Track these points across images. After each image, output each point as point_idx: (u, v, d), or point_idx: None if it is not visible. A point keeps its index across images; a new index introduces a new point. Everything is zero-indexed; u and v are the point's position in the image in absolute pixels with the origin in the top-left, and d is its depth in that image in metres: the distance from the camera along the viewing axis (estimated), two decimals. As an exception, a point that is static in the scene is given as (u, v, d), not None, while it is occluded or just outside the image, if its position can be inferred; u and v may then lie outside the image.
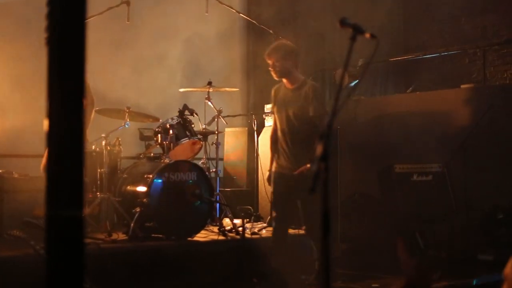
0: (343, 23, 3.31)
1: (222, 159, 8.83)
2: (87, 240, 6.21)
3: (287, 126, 6.53)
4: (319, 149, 2.79)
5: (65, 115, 2.01)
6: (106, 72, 8.40)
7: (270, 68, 6.58)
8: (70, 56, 2.03)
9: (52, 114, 2.00)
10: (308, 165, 6.18)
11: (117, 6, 7.98)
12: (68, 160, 2.01)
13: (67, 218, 2.00)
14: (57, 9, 2.01)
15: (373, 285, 6.94)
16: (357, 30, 3.24)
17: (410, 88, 10.16)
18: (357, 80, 9.16)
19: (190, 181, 7.16)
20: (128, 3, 8.01)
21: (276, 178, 6.63)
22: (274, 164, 6.69)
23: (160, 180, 7.00)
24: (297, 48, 6.83)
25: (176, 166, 7.14)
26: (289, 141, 6.53)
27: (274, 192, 6.71)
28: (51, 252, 2.01)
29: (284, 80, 6.62)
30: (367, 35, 3.27)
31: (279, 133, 6.65)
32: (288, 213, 6.71)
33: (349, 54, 3.21)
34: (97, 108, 7.49)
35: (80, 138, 2.03)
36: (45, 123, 2.00)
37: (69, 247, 2.01)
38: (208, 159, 8.29)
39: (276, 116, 6.69)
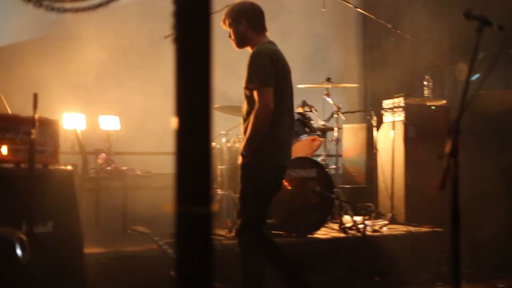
0: (469, 14, 3.21)
1: (340, 156, 8.76)
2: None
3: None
4: (448, 144, 2.71)
5: (193, 112, 2.02)
6: (225, 69, 8.48)
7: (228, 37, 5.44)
8: (197, 54, 2.03)
9: (180, 112, 2.01)
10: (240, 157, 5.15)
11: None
12: (196, 157, 2.01)
13: (196, 215, 2.00)
14: (183, 7, 2.02)
15: (499, 286, 6.75)
16: (484, 22, 3.14)
17: (535, 81, 9.82)
18: (478, 74, 8.90)
19: (310, 178, 7.14)
20: (245, 1, 8.04)
21: None
22: None
23: (280, 177, 7.01)
24: (250, 6, 5.41)
25: (296, 163, 7.13)
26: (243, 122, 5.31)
27: None
28: (180, 248, 2.01)
29: (249, 49, 5.38)
30: (495, 27, 3.16)
31: None
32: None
33: (476, 47, 3.11)
34: (217, 106, 7.56)
35: (208, 135, 2.03)
36: (173, 121, 2.00)
37: (199, 244, 2.01)
38: (327, 155, 8.26)
39: None
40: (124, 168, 7.62)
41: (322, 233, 7.26)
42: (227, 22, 5.38)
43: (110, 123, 7.68)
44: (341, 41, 11.00)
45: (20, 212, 4.38)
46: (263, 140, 5.06)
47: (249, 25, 5.31)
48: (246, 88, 5.12)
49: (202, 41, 2.02)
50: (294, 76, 9.44)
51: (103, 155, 7.47)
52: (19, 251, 3.73)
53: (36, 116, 4.34)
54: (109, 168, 7.44)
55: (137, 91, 8.30)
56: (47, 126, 4.84)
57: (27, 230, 4.29)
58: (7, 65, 7.15)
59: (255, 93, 5.04)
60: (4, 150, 4.50)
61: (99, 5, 2.41)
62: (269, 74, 5.06)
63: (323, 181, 7.21)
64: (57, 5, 2.40)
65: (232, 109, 7.74)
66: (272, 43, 5.39)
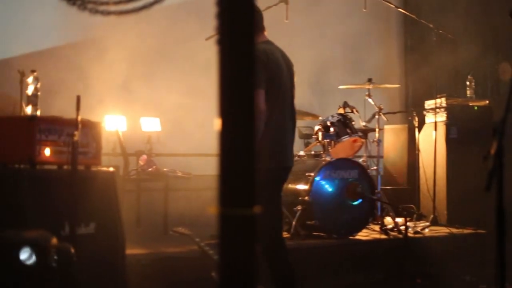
0: (515, 14, 3.17)
1: (382, 157, 8.69)
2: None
3: None
4: (493, 145, 2.68)
5: (237, 113, 2.01)
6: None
7: None
8: (240, 55, 2.03)
9: (223, 113, 2.00)
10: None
11: (276, 5, 8.01)
12: (240, 159, 2.01)
13: (240, 216, 1.99)
14: (226, 8, 2.01)
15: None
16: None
17: None
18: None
19: (351, 179, 7.11)
20: (286, 2, 8.02)
21: None
22: None
23: (321, 178, 6.98)
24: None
25: (337, 164, 7.12)
26: None
27: None
28: (223, 250, 2.01)
29: None
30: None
31: None
32: None
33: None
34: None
35: (251, 136, 2.02)
36: (217, 122, 2.00)
37: (242, 245, 2.01)
38: (369, 156, 8.21)
39: None
40: (165, 169, 7.64)
41: (363, 235, 7.23)
42: None
43: (151, 124, 7.71)
44: (382, 41, 10.94)
45: (63, 213, 4.41)
46: (263, 143, 4.92)
47: None
48: None
49: (245, 42, 2.02)
50: (335, 76, 9.45)
51: (144, 156, 7.51)
52: (24, 256, 3.69)
53: (79, 118, 4.37)
54: (150, 169, 7.47)
55: (178, 92, 8.32)
56: (90, 128, 4.88)
57: (70, 231, 4.33)
58: (50, 67, 7.21)
59: None
60: (47, 152, 4.54)
61: (143, 8, 2.41)
62: (258, 76, 4.98)
63: (364, 182, 7.18)
64: (101, 8, 2.41)
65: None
66: (267, 42, 5.36)
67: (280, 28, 8.72)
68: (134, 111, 7.77)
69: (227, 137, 2.00)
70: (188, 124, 8.26)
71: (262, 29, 5.37)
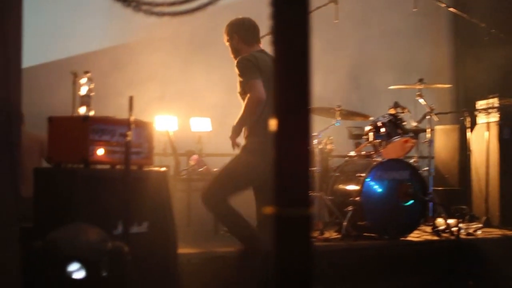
0: None
1: (433, 157, 8.61)
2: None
3: None
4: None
5: (293, 114, 2.01)
6: (317, 71, 8.42)
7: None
8: (296, 56, 2.03)
9: (280, 114, 2.00)
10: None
11: (325, 5, 7.99)
12: (296, 159, 2.01)
13: (295, 217, 1.99)
14: (281, 8, 2.01)
15: None
16: None
17: None
18: None
19: (403, 180, 7.06)
20: (336, 2, 8.00)
21: None
22: None
23: (372, 179, 6.95)
24: (242, 21, 5.95)
25: (389, 164, 7.07)
26: None
27: None
28: (279, 250, 2.01)
29: None
30: None
31: None
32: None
33: None
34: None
35: (307, 137, 2.02)
36: (272, 123, 2.00)
37: (298, 245, 2.01)
38: (420, 157, 8.14)
39: None
40: (215, 169, 7.66)
41: (415, 236, 7.18)
42: (225, 38, 5.95)
43: (201, 124, 7.75)
44: (432, 40, 10.84)
45: (116, 212, 4.45)
46: (260, 139, 5.58)
47: (240, 39, 5.87)
48: (242, 93, 5.71)
49: (300, 44, 2.02)
50: (385, 76, 9.38)
51: (195, 156, 7.54)
52: (72, 268, 3.68)
53: (132, 118, 4.41)
54: (201, 169, 7.50)
55: (225, 90, 8.34)
56: (142, 128, 4.91)
57: (123, 230, 4.37)
58: (101, 68, 7.28)
59: (244, 96, 5.65)
60: (101, 151, 4.59)
61: (197, 9, 2.43)
62: (253, 69, 5.58)
63: (416, 183, 7.13)
64: (156, 9, 2.43)
65: (323, 111, 7.70)
66: (260, 51, 5.83)
67: (329, 29, 8.69)
68: (184, 111, 7.81)
69: (283, 138, 2.00)
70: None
71: (257, 41, 5.92)
